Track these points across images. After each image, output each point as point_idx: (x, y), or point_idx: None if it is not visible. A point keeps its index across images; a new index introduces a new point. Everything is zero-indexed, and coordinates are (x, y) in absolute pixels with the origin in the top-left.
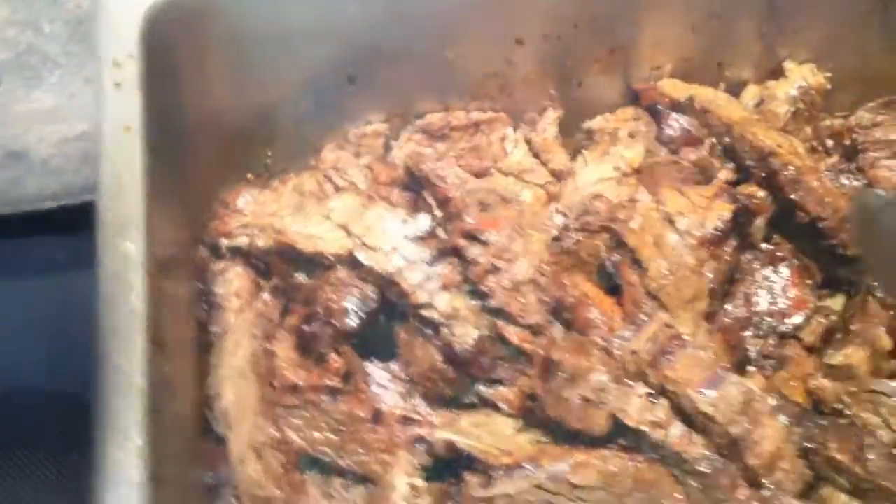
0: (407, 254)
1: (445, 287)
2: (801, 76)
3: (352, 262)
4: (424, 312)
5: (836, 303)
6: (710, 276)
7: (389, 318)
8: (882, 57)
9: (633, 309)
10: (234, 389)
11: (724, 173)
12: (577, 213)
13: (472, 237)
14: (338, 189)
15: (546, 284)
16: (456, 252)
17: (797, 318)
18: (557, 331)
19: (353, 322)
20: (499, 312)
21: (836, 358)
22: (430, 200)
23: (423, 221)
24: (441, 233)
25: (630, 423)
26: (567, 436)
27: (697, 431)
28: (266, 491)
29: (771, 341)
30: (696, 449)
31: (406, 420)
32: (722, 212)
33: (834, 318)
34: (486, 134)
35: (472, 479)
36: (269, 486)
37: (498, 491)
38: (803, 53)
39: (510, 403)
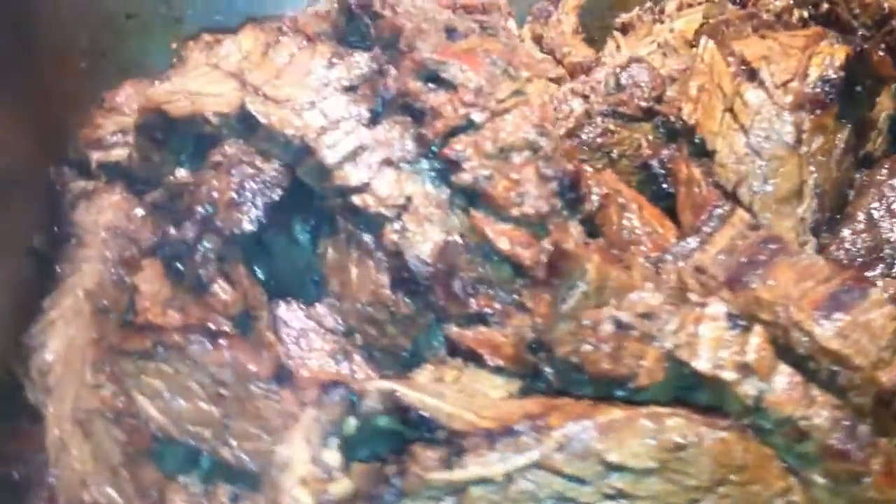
0: (331, 110)
1: (390, 161)
2: None
3: (245, 126)
4: (357, 201)
5: None
6: (816, 162)
7: (305, 222)
8: None
9: (692, 218)
10: (64, 336)
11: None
12: (604, 93)
13: (430, 78)
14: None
15: (552, 153)
16: (406, 105)
17: None
18: (575, 229)
19: (247, 222)
20: (476, 198)
21: None
22: (372, 35)
23: (358, 61)
24: (387, 81)
25: (700, 366)
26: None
27: (818, 383)
28: (96, 492)
29: None
30: (820, 410)
31: (332, 385)
32: (831, 56)
33: None
34: (479, 21)
35: (424, 454)
36: (100, 485)
37: (469, 474)
38: None
39: (499, 352)
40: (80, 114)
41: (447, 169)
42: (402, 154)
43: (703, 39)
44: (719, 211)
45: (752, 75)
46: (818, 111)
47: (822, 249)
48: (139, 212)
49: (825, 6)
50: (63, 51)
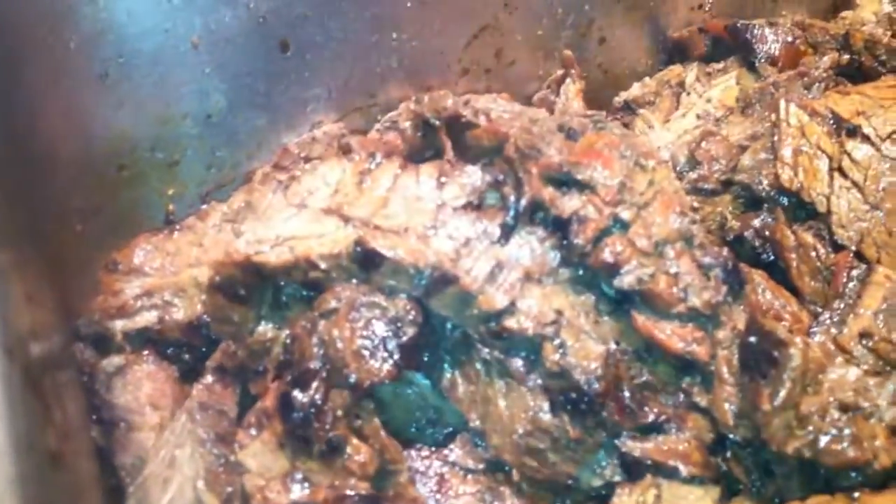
0: (457, 232)
1: (531, 277)
2: None
3: (362, 265)
4: (511, 324)
5: None
6: None
7: (436, 357)
8: None
9: (811, 285)
10: None
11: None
12: (676, 172)
13: (562, 182)
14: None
15: (704, 240)
16: (539, 214)
17: None
18: (738, 315)
19: (384, 365)
20: (633, 300)
21: None
22: (460, 152)
23: (470, 176)
24: (516, 192)
25: None
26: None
27: None
28: None
29: None
30: None
31: None
32: None
33: None
34: None
35: None
36: None
37: None
38: None
39: (689, 460)
40: (87, 282)
41: (593, 275)
42: (541, 267)
43: (781, 103)
44: (856, 272)
45: (852, 132)
46: None
47: None
48: (208, 379)
49: (845, 58)
50: (61, 217)
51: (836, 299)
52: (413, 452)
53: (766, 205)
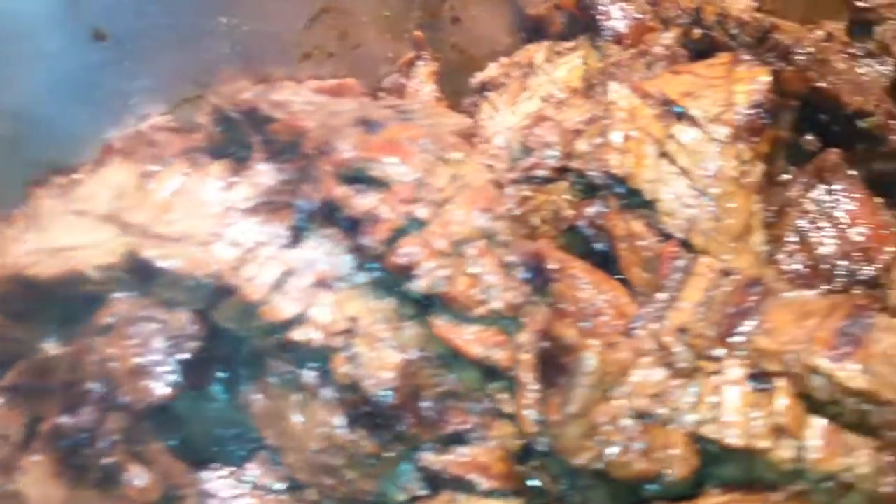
0: (242, 237)
1: (324, 282)
2: None
3: (139, 276)
4: (297, 335)
5: None
6: (758, 189)
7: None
8: None
9: (644, 275)
10: None
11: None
12: (510, 159)
13: (357, 179)
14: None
15: (509, 236)
16: (333, 214)
17: (885, 255)
18: (543, 315)
19: (162, 388)
20: (433, 303)
21: None
22: (264, 147)
23: (261, 175)
24: (306, 191)
25: (732, 440)
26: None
27: (848, 428)
28: None
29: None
30: (859, 457)
31: None
32: (754, 79)
33: None
34: None
35: None
36: None
37: None
38: None
39: (489, 472)
40: None
41: (394, 278)
42: (335, 271)
43: (612, 85)
44: (680, 262)
45: (680, 114)
46: (755, 138)
47: None
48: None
49: (698, 32)
50: None
51: (657, 290)
52: (208, 473)
53: (600, 192)
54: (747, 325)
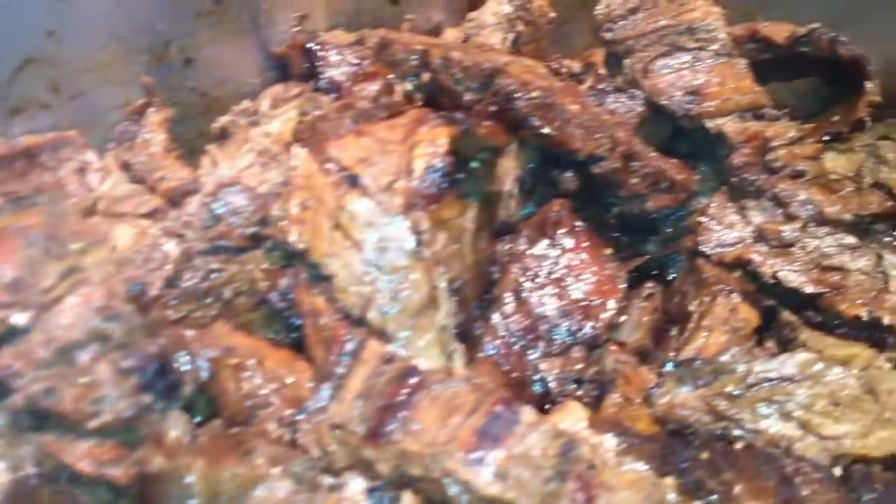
0: None
1: None
2: None
3: None
4: None
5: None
6: (446, 258)
7: None
8: None
9: (325, 355)
10: None
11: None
12: (201, 227)
13: None
14: None
15: (128, 338)
16: None
17: (608, 313)
18: (178, 422)
19: None
20: (44, 417)
21: (686, 353)
22: None
23: None
24: None
25: None
26: None
27: None
28: None
29: (576, 355)
30: None
31: None
32: (433, 141)
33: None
34: (49, 168)
35: None
36: None
37: None
38: None
39: None
40: None
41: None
42: None
43: (295, 147)
44: (350, 346)
45: (353, 182)
46: (433, 206)
47: (474, 345)
48: None
49: (426, 76)
50: None
51: (327, 378)
52: None
53: (294, 263)
54: (396, 423)
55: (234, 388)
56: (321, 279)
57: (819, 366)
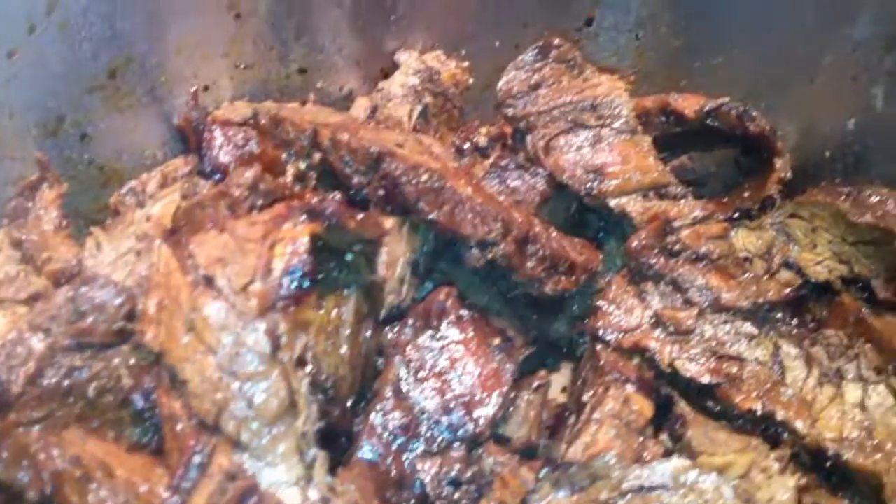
0: None
1: None
2: (421, 63)
3: None
4: None
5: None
6: (316, 362)
7: None
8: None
9: (182, 461)
10: None
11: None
12: (66, 322)
13: None
14: None
15: None
16: None
17: (491, 408)
18: None
19: None
20: None
21: (574, 452)
22: None
23: None
24: None
25: None
26: None
27: None
28: None
29: (455, 454)
30: None
31: None
32: (294, 240)
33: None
34: None
35: None
36: None
37: None
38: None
39: None
40: None
41: None
42: None
43: (157, 241)
44: (198, 458)
45: (209, 283)
46: (292, 308)
47: (355, 442)
48: None
49: (317, 156)
50: None
51: (174, 493)
52: None
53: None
54: None
55: (79, 502)
56: (179, 383)
57: (693, 473)
